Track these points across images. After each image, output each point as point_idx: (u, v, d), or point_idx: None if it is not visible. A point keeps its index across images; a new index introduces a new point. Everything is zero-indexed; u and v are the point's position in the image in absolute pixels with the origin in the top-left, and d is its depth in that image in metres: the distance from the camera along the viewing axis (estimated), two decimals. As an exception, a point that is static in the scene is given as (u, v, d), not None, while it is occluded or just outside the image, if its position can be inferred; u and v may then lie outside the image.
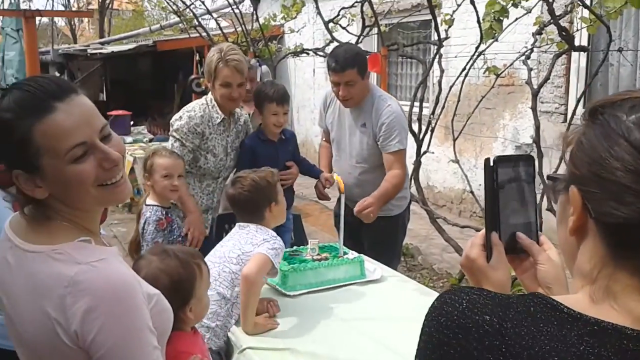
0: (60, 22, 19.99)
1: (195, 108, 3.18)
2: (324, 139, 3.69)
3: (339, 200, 3.66)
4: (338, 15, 6.19)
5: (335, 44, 5.92)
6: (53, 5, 17.87)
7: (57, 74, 11.83)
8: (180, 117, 3.14)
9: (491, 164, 1.04)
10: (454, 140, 5.77)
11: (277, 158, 3.24)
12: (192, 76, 8.24)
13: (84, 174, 1.15)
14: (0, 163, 1.20)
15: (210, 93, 3.25)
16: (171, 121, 3.21)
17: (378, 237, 3.31)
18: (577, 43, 4.52)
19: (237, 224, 2.48)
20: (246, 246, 2.31)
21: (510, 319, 0.76)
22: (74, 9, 18.55)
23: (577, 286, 0.84)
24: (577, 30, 4.83)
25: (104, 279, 1.11)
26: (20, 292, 1.17)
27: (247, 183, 2.43)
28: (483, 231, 1.08)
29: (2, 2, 14.91)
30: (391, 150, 3.24)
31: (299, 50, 7.03)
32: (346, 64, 3.13)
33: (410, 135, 4.00)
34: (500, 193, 1.04)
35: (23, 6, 12.50)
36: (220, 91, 3.12)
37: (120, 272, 1.15)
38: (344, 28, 6.14)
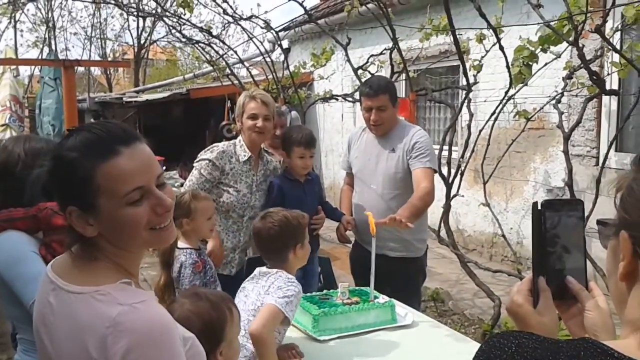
0: (96, 71, 20.71)
1: (219, 145, 3.35)
2: (346, 183, 3.74)
3: (354, 244, 3.64)
4: (367, 62, 6.30)
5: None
6: (90, 56, 18.58)
7: (93, 121, 12.17)
8: (204, 151, 3.31)
9: (539, 207, 1.03)
10: (484, 183, 5.74)
11: (304, 198, 3.36)
12: (223, 122, 8.40)
13: (137, 217, 1.20)
14: (55, 199, 1.24)
15: (240, 136, 3.38)
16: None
17: (403, 279, 3.30)
18: (607, 86, 4.51)
19: (258, 270, 2.43)
20: (265, 297, 2.25)
21: None
22: (109, 58, 19.21)
23: (627, 332, 0.83)
24: (608, 74, 4.82)
25: (145, 320, 1.13)
26: (63, 332, 1.19)
27: (277, 218, 2.38)
28: (529, 276, 1.07)
29: (41, 51, 15.56)
30: (421, 167, 3.26)
31: (328, 96, 7.14)
32: (379, 90, 3.32)
33: (439, 179, 4.01)
34: (548, 237, 1.04)
35: (61, 56, 13.00)
36: (247, 124, 3.26)
37: (161, 314, 1.17)
38: (372, 75, 6.23)
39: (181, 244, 2.82)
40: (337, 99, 7.07)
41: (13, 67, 8.94)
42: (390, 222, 2.96)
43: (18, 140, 2.25)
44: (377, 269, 3.16)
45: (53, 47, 15.86)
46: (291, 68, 6.91)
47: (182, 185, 8.34)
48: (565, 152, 4.17)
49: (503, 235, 6.11)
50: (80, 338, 1.14)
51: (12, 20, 14.68)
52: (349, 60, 5.85)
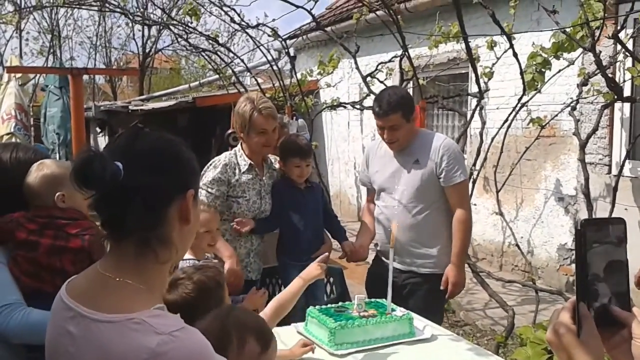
0: (100, 79, 20.71)
1: (220, 158, 3.31)
2: (367, 201, 3.58)
3: (376, 259, 3.55)
4: (376, 70, 6.27)
5: (373, 97, 5.97)
6: (95, 64, 18.59)
7: (99, 130, 12.15)
8: (207, 168, 3.26)
9: (579, 227, 0.98)
10: (497, 192, 5.67)
11: (304, 204, 3.36)
12: (229, 130, 8.34)
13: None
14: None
15: (239, 144, 3.35)
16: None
17: (432, 295, 3.23)
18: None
19: None
20: None
21: None
22: (114, 67, 19.22)
23: None
24: (624, 81, 4.76)
25: (186, 349, 1.06)
26: None
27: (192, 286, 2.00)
28: (570, 301, 1.01)
29: (46, 60, 15.57)
30: (456, 182, 3.17)
31: (335, 104, 7.10)
32: (389, 109, 3.12)
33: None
34: (589, 259, 0.98)
35: (66, 65, 12.99)
36: (255, 139, 3.22)
37: (201, 341, 1.11)
38: (381, 82, 6.19)
39: (186, 255, 2.73)
40: (345, 107, 7.04)
41: (18, 75, 8.89)
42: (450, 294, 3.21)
43: (6, 149, 2.22)
44: (405, 286, 3.11)
45: (58, 56, 15.90)
46: (297, 76, 6.87)
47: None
48: (582, 160, 4.12)
49: (517, 245, 6.04)
50: None
51: (18, 29, 14.70)
52: (357, 68, 5.81)
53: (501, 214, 5.97)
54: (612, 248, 0.99)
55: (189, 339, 1.08)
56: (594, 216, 4.93)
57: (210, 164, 3.29)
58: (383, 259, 3.39)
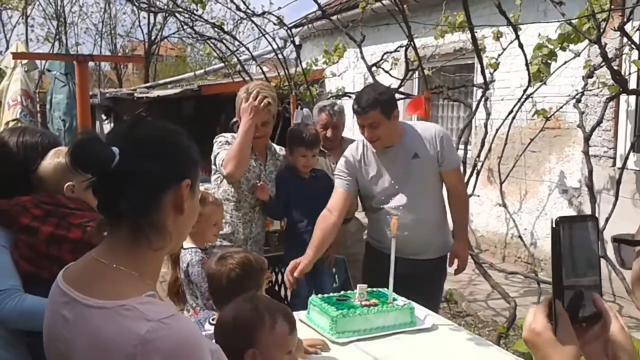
0: (106, 66, 20.68)
1: (225, 135, 3.35)
2: (331, 207, 3.20)
3: (370, 254, 3.49)
4: (381, 59, 6.26)
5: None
6: (100, 51, 18.58)
7: (104, 117, 12.17)
8: (214, 143, 3.30)
9: (554, 225, 0.98)
10: (501, 183, 5.68)
11: (309, 193, 3.37)
12: (234, 119, 8.35)
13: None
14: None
15: None
16: None
17: (436, 278, 3.29)
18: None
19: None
20: None
21: None
22: (120, 54, 19.19)
23: None
24: (629, 74, 4.75)
25: (175, 336, 1.07)
26: (82, 350, 1.11)
27: (238, 259, 2.14)
28: (545, 299, 1.02)
29: (52, 46, 15.57)
30: (455, 166, 3.23)
31: (340, 93, 7.09)
32: (367, 106, 3.05)
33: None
34: (564, 257, 0.98)
35: (72, 51, 12.99)
36: None
37: (191, 329, 1.12)
38: (387, 72, 6.18)
39: (186, 244, 2.76)
40: (350, 97, 7.02)
41: (24, 61, 8.89)
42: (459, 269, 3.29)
43: (13, 133, 2.22)
44: (413, 275, 3.11)
45: (64, 42, 15.89)
46: (303, 65, 6.86)
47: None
48: (586, 152, 4.12)
49: (520, 236, 6.04)
50: (104, 357, 1.08)
51: (24, 15, 14.68)
52: (363, 58, 5.80)
53: (505, 205, 5.97)
54: (587, 245, 1.00)
55: (178, 326, 1.09)
56: (597, 209, 4.93)
57: (219, 136, 3.35)
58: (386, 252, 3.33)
